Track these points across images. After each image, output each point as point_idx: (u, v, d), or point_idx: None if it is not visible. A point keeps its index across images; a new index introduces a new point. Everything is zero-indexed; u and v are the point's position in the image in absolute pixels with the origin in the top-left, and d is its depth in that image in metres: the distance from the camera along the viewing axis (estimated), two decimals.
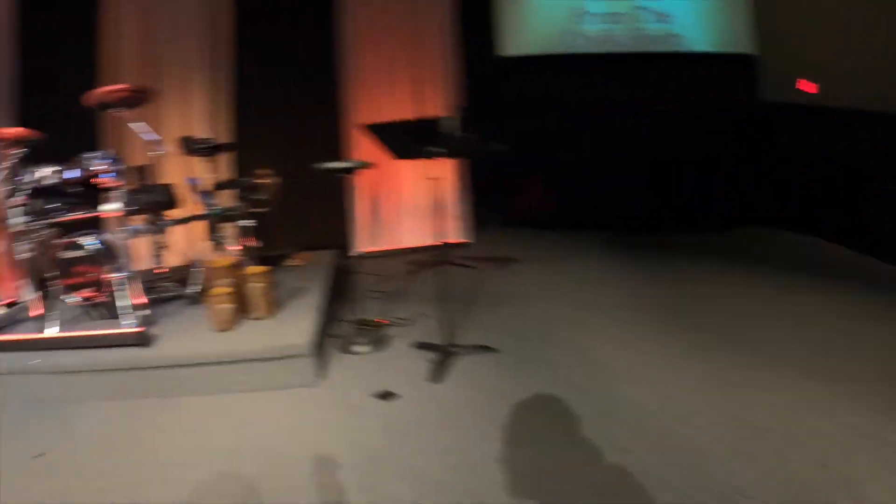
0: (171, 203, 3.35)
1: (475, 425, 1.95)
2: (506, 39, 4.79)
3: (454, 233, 4.68)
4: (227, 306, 2.47)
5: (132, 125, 3.14)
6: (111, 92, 2.96)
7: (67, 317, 2.95)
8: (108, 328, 2.57)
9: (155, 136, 3.28)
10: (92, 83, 4.50)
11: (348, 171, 2.61)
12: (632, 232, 4.92)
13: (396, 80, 4.66)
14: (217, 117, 4.59)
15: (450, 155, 2.22)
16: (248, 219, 3.46)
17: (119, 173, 2.76)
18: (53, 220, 2.86)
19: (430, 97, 4.69)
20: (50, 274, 2.88)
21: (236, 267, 2.78)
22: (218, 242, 3.40)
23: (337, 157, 4.64)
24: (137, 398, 2.37)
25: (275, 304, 2.74)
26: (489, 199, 4.90)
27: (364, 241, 4.73)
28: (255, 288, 2.60)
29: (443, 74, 4.66)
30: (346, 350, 2.65)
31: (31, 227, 2.82)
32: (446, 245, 4.45)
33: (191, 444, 1.96)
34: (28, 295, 4.25)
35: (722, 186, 5.08)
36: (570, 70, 4.91)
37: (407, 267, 4.18)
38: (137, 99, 3.12)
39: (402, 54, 4.63)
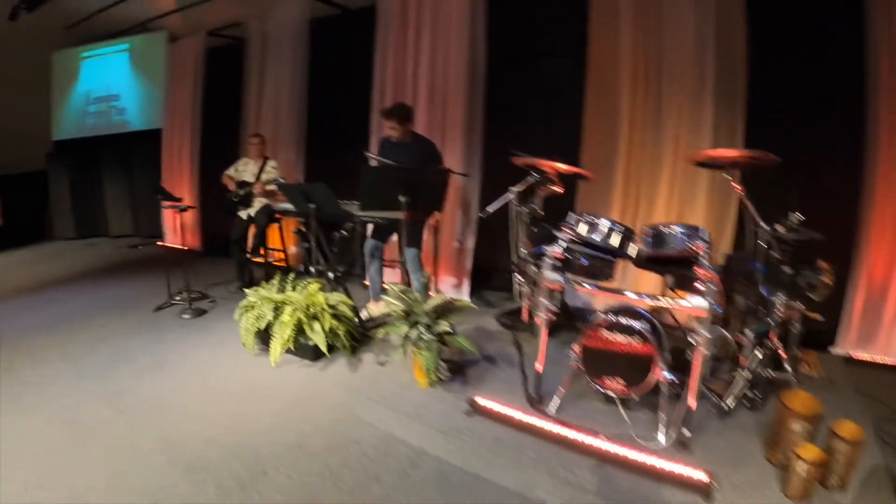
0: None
1: None
2: None
3: None
4: (813, 471, 1.94)
5: (745, 200, 2.50)
6: (731, 156, 2.42)
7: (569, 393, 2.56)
8: (661, 458, 2.07)
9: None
10: (577, 102, 4.06)
11: None
12: None
13: None
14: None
15: None
16: (798, 325, 2.75)
17: (710, 260, 2.18)
18: (587, 284, 2.51)
19: None
20: (584, 352, 2.45)
21: (818, 416, 2.07)
22: (773, 354, 2.71)
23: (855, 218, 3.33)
24: None
25: (855, 475, 2.06)
26: None
27: (852, 343, 3.52)
28: (845, 452, 1.99)
29: None
30: None
31: (557, 281, 2.44)
32: None
33: None
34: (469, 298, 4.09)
35: None
36: None
37: None
38: (758, 166, 2.44)
39: None
